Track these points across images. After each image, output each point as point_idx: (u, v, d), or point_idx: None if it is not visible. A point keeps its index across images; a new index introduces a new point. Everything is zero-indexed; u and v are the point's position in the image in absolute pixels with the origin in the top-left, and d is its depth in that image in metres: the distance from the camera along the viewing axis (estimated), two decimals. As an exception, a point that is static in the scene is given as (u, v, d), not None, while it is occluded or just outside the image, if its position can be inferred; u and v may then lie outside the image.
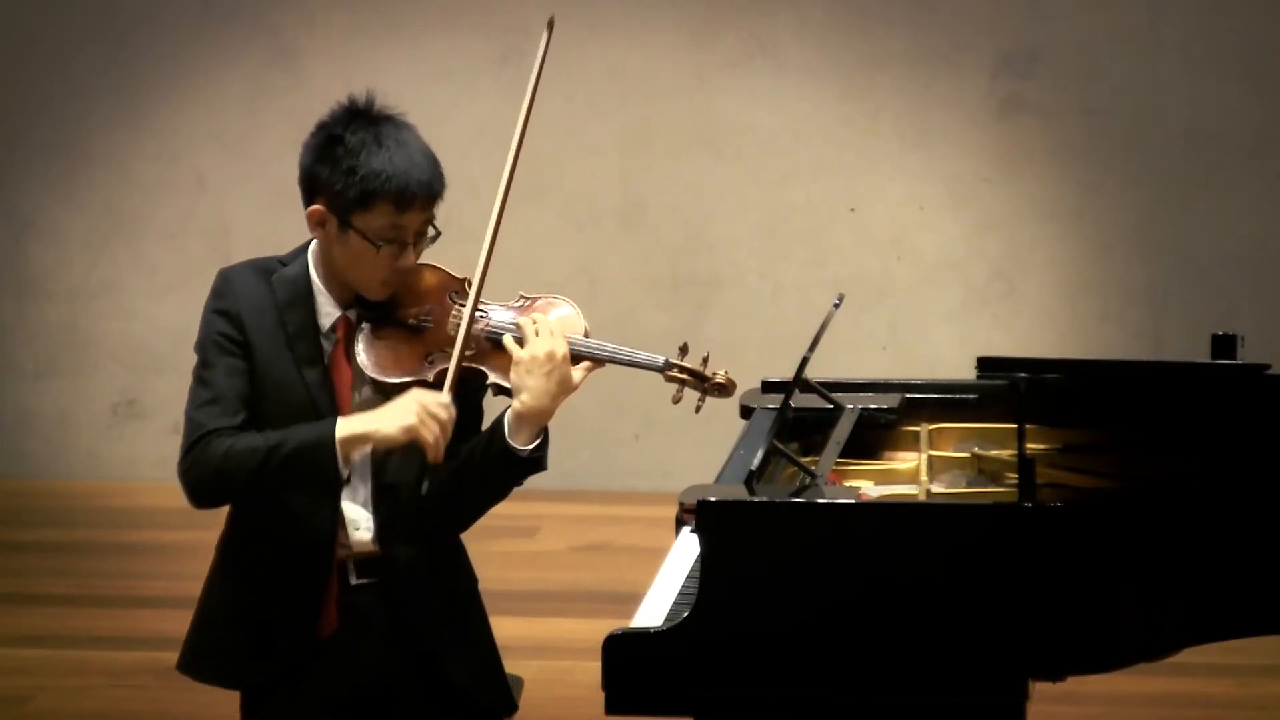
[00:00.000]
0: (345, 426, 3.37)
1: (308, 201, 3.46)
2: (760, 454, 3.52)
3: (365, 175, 3.39)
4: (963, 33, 7.89)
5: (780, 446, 3.59)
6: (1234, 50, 7.83)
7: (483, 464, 3.43)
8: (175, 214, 8.15)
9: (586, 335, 3.48)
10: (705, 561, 3.34)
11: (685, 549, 3.72)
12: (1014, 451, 3.79)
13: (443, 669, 3.51)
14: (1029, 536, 3.32)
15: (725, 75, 7.95)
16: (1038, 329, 7.95)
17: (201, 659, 3.54)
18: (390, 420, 3.36)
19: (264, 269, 3.50)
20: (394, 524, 3.48)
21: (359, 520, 3.48)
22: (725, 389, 3.46)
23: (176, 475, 3.42)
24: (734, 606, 3.32)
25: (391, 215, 3.40)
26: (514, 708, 3.63)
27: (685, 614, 3.34)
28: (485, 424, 3.51)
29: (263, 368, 3.44)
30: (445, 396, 3.37)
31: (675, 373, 3.44)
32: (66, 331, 8.21)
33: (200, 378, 3.44)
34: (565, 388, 3.39)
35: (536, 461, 3.44)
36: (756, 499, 3.37)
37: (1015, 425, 3.77)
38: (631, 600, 3.54)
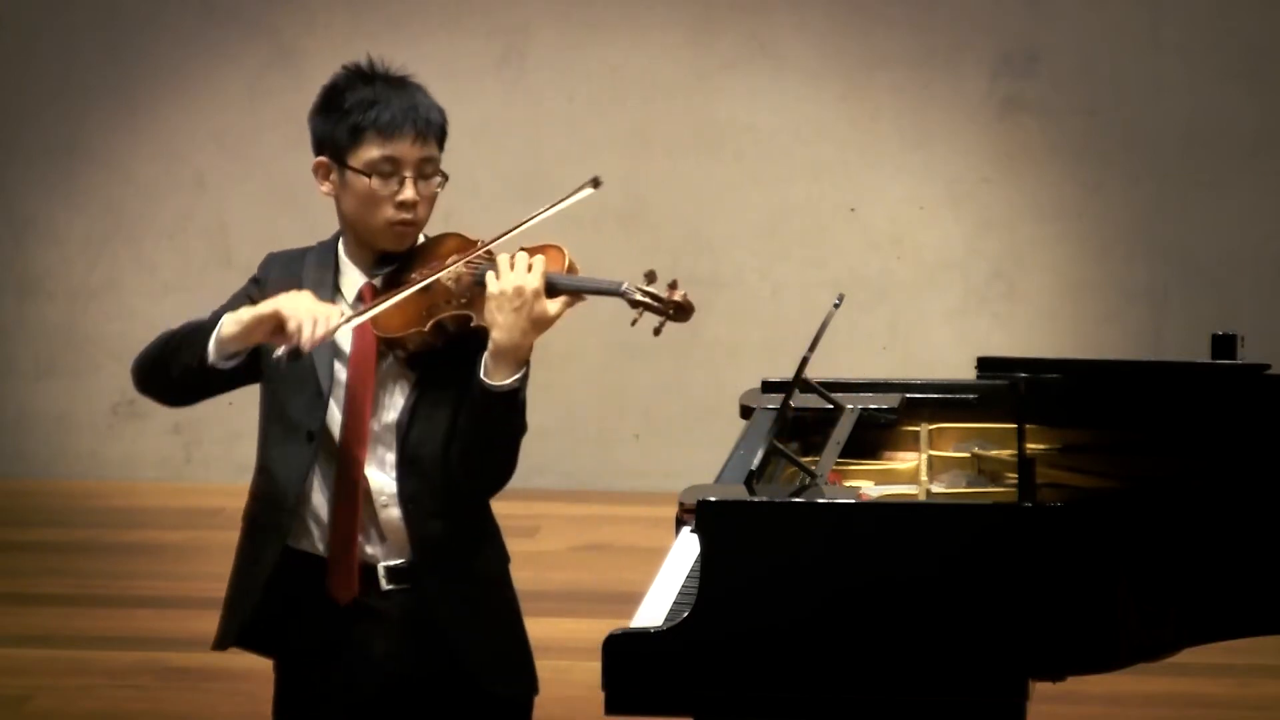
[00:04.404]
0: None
1: (316, 156, 3.47)
2: (760, 454, 3.51)
3: (351, 108, 3.41)
4: (963, 33, 7.89)
5: (780, 446, 3.59)
6: (1234, 50, 7.83)
7: (469, 408, 3.39)
8: (175, 214, 8.14)
9: (572, 272, 3.44)
10: (705, 561, 3.34)
11: (685, 549, 3.72)
12: (1014, 451, 3.79)
13: (457, 654, 3.48)
14: (1029, 536, 3.31)
15: (725, 75, 7.95)
16: (1038, 329, 7.95)
17: (231, 626, 3.53)
18: (268, 302, 3.37)
19: (303, 249, 3.56)
20: (420, 498, 3.46)
21: (384, 490, 3.46)
22: (684, 309, 3.36)
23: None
24: (734, 606, 3.31)
25: (380, 145, 3.40)
26: (534, 690, 3.60)
27: (685, 614, 3.33)
28: None
29: None
30: (335, 309, 3.35)
31: (638, 295, 3.37)
32: (66, 331, 8.21)
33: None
34: (540, 323, 3.35)
35: (512, 395, 3.36)
36: (756, 499, 3.37)
37: (1015, 425, 3.77)
38: (631, 600, 3.54)
